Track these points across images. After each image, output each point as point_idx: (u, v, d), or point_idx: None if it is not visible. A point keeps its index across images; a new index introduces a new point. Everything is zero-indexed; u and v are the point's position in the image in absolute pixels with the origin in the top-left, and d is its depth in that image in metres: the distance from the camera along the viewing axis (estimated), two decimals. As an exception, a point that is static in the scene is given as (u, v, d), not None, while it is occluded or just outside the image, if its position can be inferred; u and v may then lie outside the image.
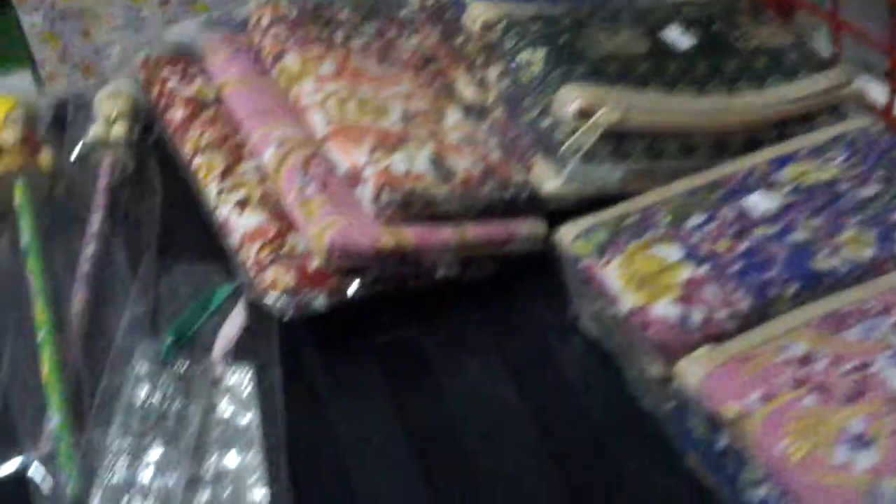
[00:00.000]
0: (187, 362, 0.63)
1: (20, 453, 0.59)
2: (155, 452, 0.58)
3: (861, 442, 0.47)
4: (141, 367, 0.63)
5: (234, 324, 0.64)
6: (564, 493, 0.58)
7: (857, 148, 0.64)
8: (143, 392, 0.61)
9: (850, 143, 0.65)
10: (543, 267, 0.70)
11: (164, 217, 0.74)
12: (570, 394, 0.64)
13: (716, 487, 0.55)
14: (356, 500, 0.58)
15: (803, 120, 0.70)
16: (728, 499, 0.54)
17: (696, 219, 0.61)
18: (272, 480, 0.57)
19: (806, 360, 0.52)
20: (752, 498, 0.51)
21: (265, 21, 0.79)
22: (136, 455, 0.58)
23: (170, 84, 0.78)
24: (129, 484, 0.57)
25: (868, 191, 0.61)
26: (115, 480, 0.57)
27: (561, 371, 0.65)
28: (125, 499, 0.56)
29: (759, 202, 0.61)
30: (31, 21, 1.49)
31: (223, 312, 0.66)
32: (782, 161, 0.65)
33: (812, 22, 0.82)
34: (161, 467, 0.57)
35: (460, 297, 0.70)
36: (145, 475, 0.57)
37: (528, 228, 0.69)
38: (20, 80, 1.55)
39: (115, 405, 0.61)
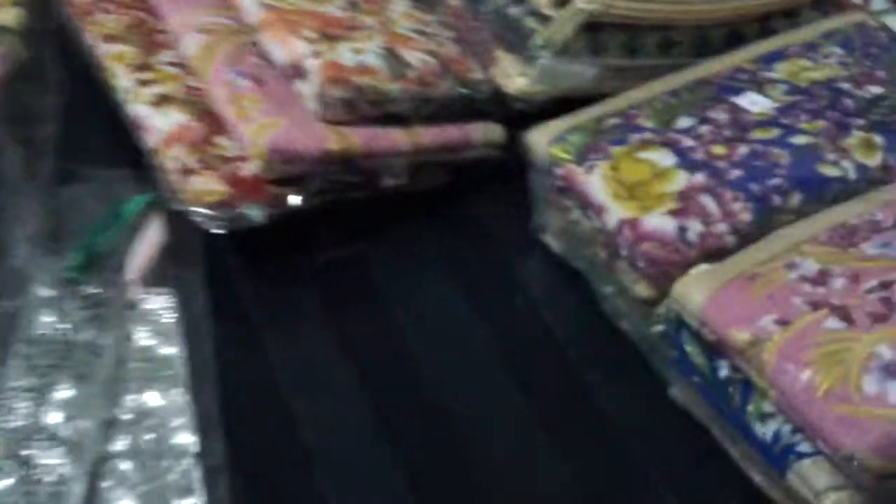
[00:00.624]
0: (97, 286, 0.54)
1: None
2: (63, 391, 0.49)
3: (892, 370, 0.42)
4: (42, 290, 0.54)
5: (150, 240, 0.56)
6: (531, 419, 0.52)
7: (855, 45, 0.59)
8: (46, 320, 0.52)
9: (846, 39, 0.59)
10: (499, 177, 0.64)
11: (65, 116, 0.65)
12: (532, 314, 0.58)
13: (707, 420, 0.50)
14: (298, 440, 0.51)
15: (787, 15, 0.65)
16: (724, 433, 0.49)
17: (684, 121, 0.54)
18: (202, 423, 0.49)
19: (821, 278, 0.46)
20: (760, 432, 0.45)
21: None
22: (42, 394, 0.49)
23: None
24: (33, 428, 0.48)
25: (873, 90, 0.55)
26: (15, 424, 0.48)
27: (522, 289, 0.59)
28: (29, 445, 0.47)
29: (754, 102, 0.55)
30: None
31: (137, 227, 0.57)
32: (771, 57, 0.59)
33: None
34: (71, 408, 0.49)
35: (409, 210, 0.62)
36: (52, 418, 0.48)
37: (485, 133, 0.62)
38: None
39: (11, 337, 0.51)
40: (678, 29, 0.62)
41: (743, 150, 0.52)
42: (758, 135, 0.53)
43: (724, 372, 0.47)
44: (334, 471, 0.50)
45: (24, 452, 0.47)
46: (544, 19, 0.58)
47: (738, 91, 0.56)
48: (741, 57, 0.60)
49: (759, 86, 0.57)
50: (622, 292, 0.54)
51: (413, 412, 0.53)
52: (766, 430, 0.45)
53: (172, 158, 0.56)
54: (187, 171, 0.56)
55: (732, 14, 0.63)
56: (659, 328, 0.50)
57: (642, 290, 0.51)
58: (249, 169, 0.56)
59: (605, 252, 0.54)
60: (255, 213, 0.56)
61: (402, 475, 0.50)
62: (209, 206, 0.55)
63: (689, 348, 0.48)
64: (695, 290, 0.47)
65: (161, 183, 0.57)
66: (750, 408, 0.46)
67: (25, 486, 0.45)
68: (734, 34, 0.64)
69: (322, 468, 0.50)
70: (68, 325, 0.52)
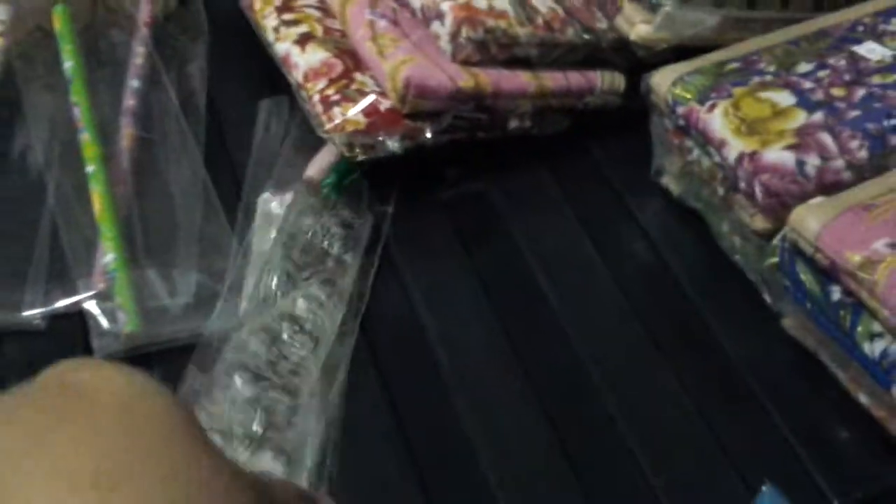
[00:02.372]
0: (351, 212, 0.60)
1: (74, 289, 0.55)
2: (313, 288, 0.54)
3: None
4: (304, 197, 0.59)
5: (328, 153, 0.60)
6: (648, 347, 0.55)
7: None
8: (307, 222, 0.57)
9: (964, -5, 0.61)
10: (619, 124, 0.67)
11: (212, 57, 0.70)
12: (650, 251, 0.61)
13: (817, 348, 0.53)
14: (428, 345, 0.55)
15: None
16: (833, 359, 0.51)
17: (804, 66, 0.57)
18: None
19: (934, 210, 0.48)
20: (869, 351, 0.47)
21: None
22: (295, 285, 0.54)
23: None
24: (286, 311, 0.53)
25: None
26: (262, 297, 0.53)
27: (640, 228, 0.62)
28: (280, 325, 0.52)
29: (872, 50, 0.57)
30: None
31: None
32: (891, 12, 0.60)
33: None
34: (315, 305, 0.54)
35: (531, 153, 0.66)
36: (300, 308, 0.53)
37: (607, 81, 0.65)
38: None
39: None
40: (798, -17, 0.64)
41: (861, 92, 0.54)
42: (876, 80, 0.55)
43: (836, 296, 0.49)
44: (463, 383, 0.53)
45: (276, 326, 0.52)
46: (670, -32, 0.60)
47: (857, 41, 0.58)
48: (860, 11, 0.61)
49: (878, 37, 0.59)
50: (738, 229, 0.56)
51: (537, 335, 0.56)
52: (874, 349, 0.47)
53: (316, 91, 0.61)
54: (330, 103, 0.60)
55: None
56: (773, 260, 0.53)
57: (759, 223, 0.54)
58: (386, 103, 0.60)
59: (722, 189, 0.56)
60: (392, 144, 0.59)
61: (525, 388, 0.53)
62: (350, 134, 0.59)
63: (803, 275, 0.50)
64: (811, 218, 0.49)
65: (306, 113, 0.62)
66: (860, 328, 0.48)
67: (273, 357, 0.50)
68: (852, -9, 0.65)
69: (451, 379, 0.54)
70: (324, 234, 0.57)
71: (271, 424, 0.48)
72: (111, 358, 0.52)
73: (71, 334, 0.54)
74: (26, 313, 0.55)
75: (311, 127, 0.61)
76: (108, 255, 0.55)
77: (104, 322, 0.53)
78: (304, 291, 0.54)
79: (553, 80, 0.63)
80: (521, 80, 0.62)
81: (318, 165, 0.60)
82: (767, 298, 0.55)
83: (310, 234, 0.56)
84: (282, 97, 0.65)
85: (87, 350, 0.53)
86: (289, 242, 0.56)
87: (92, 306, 0.54)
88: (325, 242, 0.56)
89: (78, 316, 0.54)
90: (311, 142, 0.61)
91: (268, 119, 0.65)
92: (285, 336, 0.51)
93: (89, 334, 0.53)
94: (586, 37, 0.64)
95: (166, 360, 0.53)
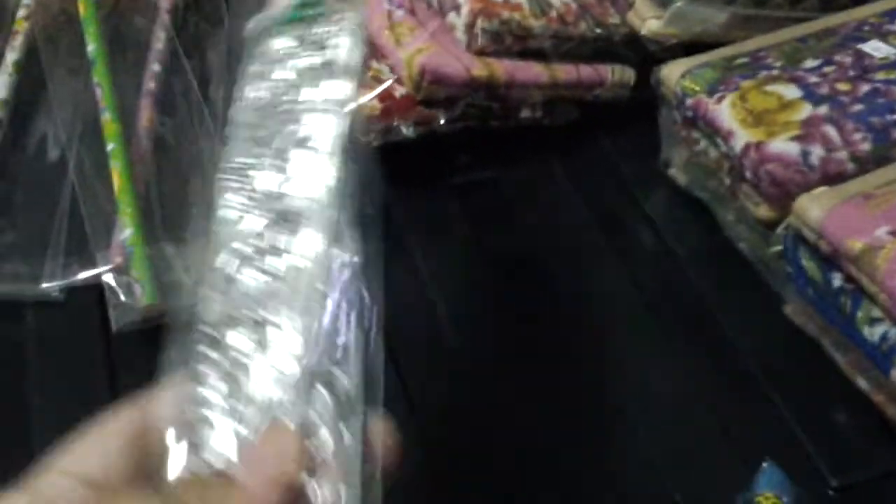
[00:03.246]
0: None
1: (92, 263, 0.57)
2: None
3: None
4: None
5: None
6: (654, 331, 0.57)
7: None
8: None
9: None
10: (628, 116, 0.68)
11: (231, 45, 0.71)
12: (657, 239, 0.62)
13: (818, 334, 0.54)
14: (439, 328, 0.56)
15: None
16: (834, 344, 0.52)
17: (811, 62, 0.58)
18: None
19: (935, 200, 0.49)
20: (869, 335, 0.49)
21: None
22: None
23: None
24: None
25: None
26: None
27: (648, 217, 0.63)
28: None
29: (877, 48, 0.58)
30: None
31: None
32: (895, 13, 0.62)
33: None
34: None
35: (541, 142, 0.67)
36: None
37: (618, 74, 0.66)
38: None
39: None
40: (807, -17, 0.65)
41: (865, 87, 0.56)
42: (880, 76, 0.56)
43: (837, 282, 0.50)
44: (473, 367, 0.54)
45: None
46: (681, -35, 0.62)
47: (862, 40, 0.60)
48: (867, 11, 0.63)
49: (884, 36, 0.60)
50: (743, 218, 0.58)
51: (545, 319, 0.57)
52: (874, 333, 0.48)
53: (334, 77, 0.62)
54: (346, 88, 0.61)
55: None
56: (777, 248, 0.54)
57: (764, 212, 0.55)
58: (401, 90, 0.61)
59: (729, 178, 0.57)
60: (406, 129, 0.61)
61: (533, 371, 0.54)
62: (366, 119, 0.60)
63: (806, 262, 0.52)
64: (814, 206, 0.50)
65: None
66: (860, 314, 0.49)
67: None
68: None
69: (462, 363, 0.55)
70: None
71: None
72: (127, 328, 0.53)
73: (88, 306, 0.56)
74: (45, 285, 0.56)
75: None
76: (126, 230, 0.56)
77: (121, 294, 0.55)
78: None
79: (565, 72, 0.65)
80: (533, 71, 0.64)
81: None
82: (771, 285, 0.56)
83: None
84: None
85: (104, 320, 0.54)
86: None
87: (109, 279, 0.55)
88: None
89: (96, 288, 0.56)
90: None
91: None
92: None
93: (106, 306, 0.55)
94: (598, 30, 0.65)
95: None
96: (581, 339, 0.56)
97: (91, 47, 0.65)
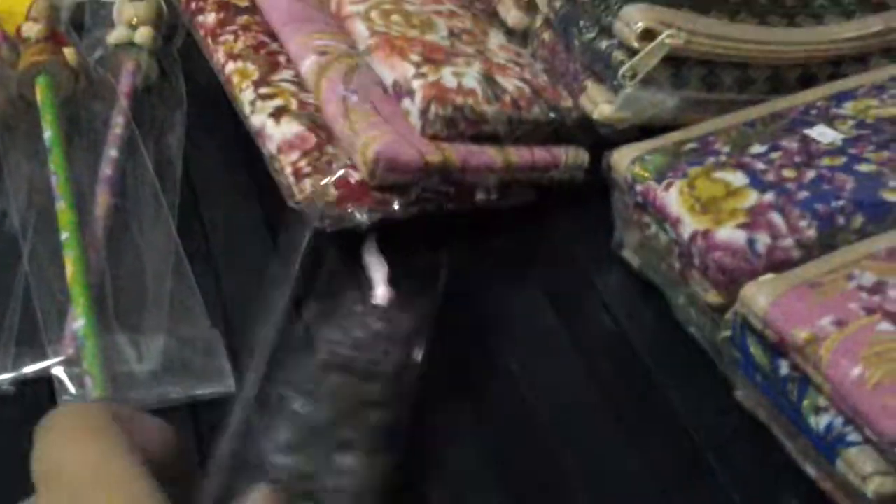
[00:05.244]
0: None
1: (43, 354, 0.56)
2: None
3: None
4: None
5: None
6: (607, 414, 0.57)
7: (921, 88, 0.63)
8: None
9: (912, 82, 0.64)
10: (582, 198, 0.69)
11: (189, 128, 0.72)
12: (609, 321, 0.62)
13: (768, 420, 0.54)
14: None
15: (857, 60, 0.69)
16: (783, 430, 0.53)
17: (758, 148, 0.59)
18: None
19: (877, 287, 0.50)
20: (814, 425, 0.49)
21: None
22: None
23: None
24: None
25: (936, 127, 0.59)
26: None
27: (601, 299, 0.64)
28: None
29: (823, 134, 0.59)
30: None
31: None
32: (842, 97, 0.63)
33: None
34: None
35: (497, 225, 0.68)
36: None
37: (572, 156, 0.67)
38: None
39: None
40: (754, 67, 0.66)
41: (811, 174, 0.57)
42: (826, 162, 0.57)
43: (783, 370, 0.51)
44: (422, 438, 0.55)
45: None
46: (631, 52, 0.63)
47: (809, 124, 0.61)
48: (814, 95, 0.64)
49: (830, 121, 0.61)
50: (693, 301, 0.58)
51: (498, 399, 0.57)
52: (819, 422, 0.49)
53: (289, 163, 0.63)
54: (302, 174, 0.62)
55: (804, 56, 0.67)
56: (726, 333, 0.55)
57: (712, 297, 0.56)
58: (356, 175, 0.62)
59: (679, 263, 0.58)
60: (361, 216, 0.61)
61: (483, 448, 0.54)
62: (319, 206, 0.60)
63: (753, 349, 0.52)
64: (760, 294, 0.51)
65: (279, 184, 0.63)
66: (806, 402, 0.49)
67: None
68: (807, 76, 0.68)
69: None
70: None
71: None
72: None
73: (38, 399, 0.55)
74: (-4, 378, 0.56)
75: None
76: (78, 321, 0.56)
77: (71, 387, 0.54)
78: None
79: (519, 155, 0.66)
80: (488, 154, 0.64)
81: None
82: (721, 369, 0.56)
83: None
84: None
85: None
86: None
87: (60, 372, 0.55)
88: None
89: (46, 381, 0.55)
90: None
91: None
92: None
93: (56, 399, 0.54)
94: (552, 114, 0.66)
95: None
96: (533, 419, 0.56)
97: (48, 134, 0.65)
